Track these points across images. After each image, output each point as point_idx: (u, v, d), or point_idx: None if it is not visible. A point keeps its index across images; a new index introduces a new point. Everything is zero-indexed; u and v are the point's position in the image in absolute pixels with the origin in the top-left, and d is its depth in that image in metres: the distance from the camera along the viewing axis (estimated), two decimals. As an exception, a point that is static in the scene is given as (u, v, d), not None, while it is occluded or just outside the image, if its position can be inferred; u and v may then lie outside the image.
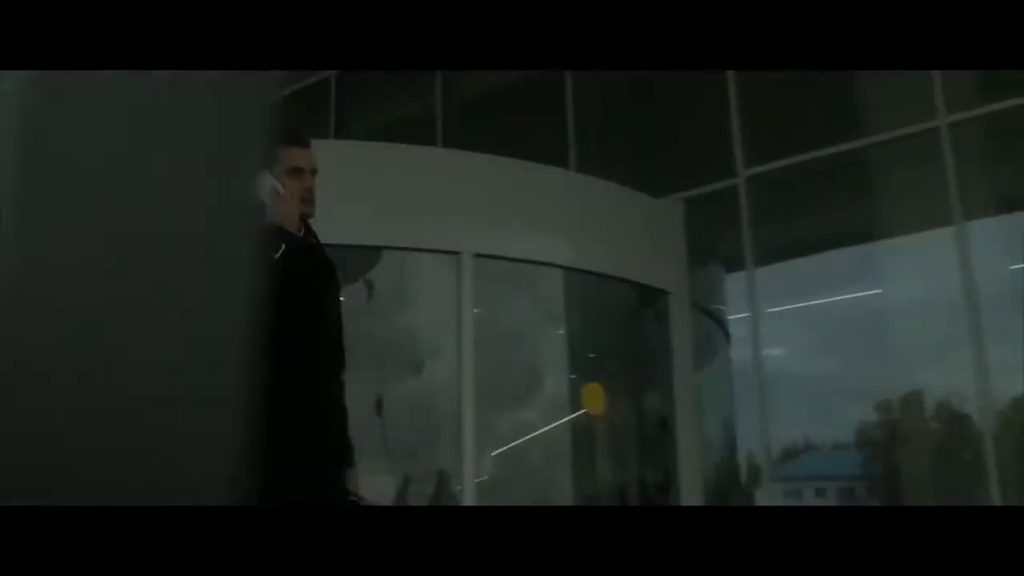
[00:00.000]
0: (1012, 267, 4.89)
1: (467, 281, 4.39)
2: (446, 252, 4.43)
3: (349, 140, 6.04)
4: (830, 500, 5.37)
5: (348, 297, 4.79)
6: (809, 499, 5.41)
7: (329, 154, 2.65)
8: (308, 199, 2.37)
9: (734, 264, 5.31)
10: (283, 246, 2.19)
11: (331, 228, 2.51)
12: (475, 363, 4.27)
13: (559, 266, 4.80)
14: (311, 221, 2.41)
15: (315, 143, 2.42)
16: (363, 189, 4.35)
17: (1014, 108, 4.37)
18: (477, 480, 4.21)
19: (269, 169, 2.24)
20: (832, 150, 4.85)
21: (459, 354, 4.32)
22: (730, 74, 5.22)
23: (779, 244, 5.23)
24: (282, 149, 2.37)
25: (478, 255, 4.44)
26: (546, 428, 4.60)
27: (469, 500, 4.16)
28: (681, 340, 4.98)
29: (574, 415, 4.68)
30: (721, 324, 5.64)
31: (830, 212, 5.30)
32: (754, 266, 4.92)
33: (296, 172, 2.35)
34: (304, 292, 2.25)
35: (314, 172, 2.40)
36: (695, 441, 4.85)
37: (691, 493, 4.67)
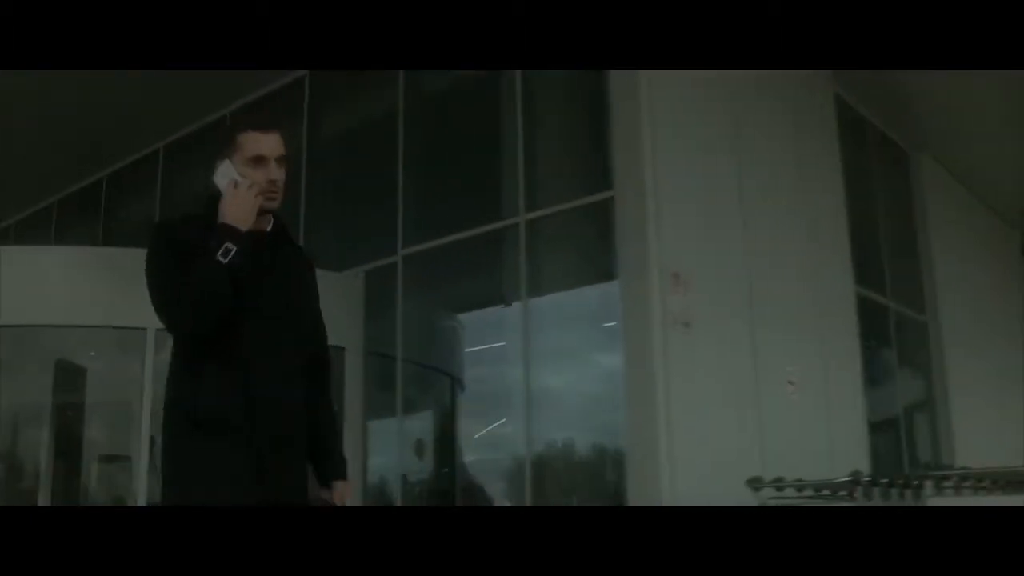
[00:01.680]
0: (606, 324, 6.10)
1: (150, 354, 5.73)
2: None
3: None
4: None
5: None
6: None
7: None
8: (272, 191, 2.14)
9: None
10: (231, 248, 2.03)
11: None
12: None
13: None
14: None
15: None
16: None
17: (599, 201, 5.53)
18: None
19: (229, 158, 2.12)
20: (466, 234, 6.08)
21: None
22: (400, 167, 6.45)
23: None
24: (242, 135, 2.14)
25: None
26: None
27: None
28: (353, 388, 6.24)
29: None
30: (451, 375, 6.86)
31: (474, 280, 6.53)
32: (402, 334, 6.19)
33: (258, 161, 2.13)
34: (259, 296, 2.08)
35: (280, 160, 2.16)
36: (358, 474, 6.11)
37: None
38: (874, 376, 7.49)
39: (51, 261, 6.51)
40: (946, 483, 4.08)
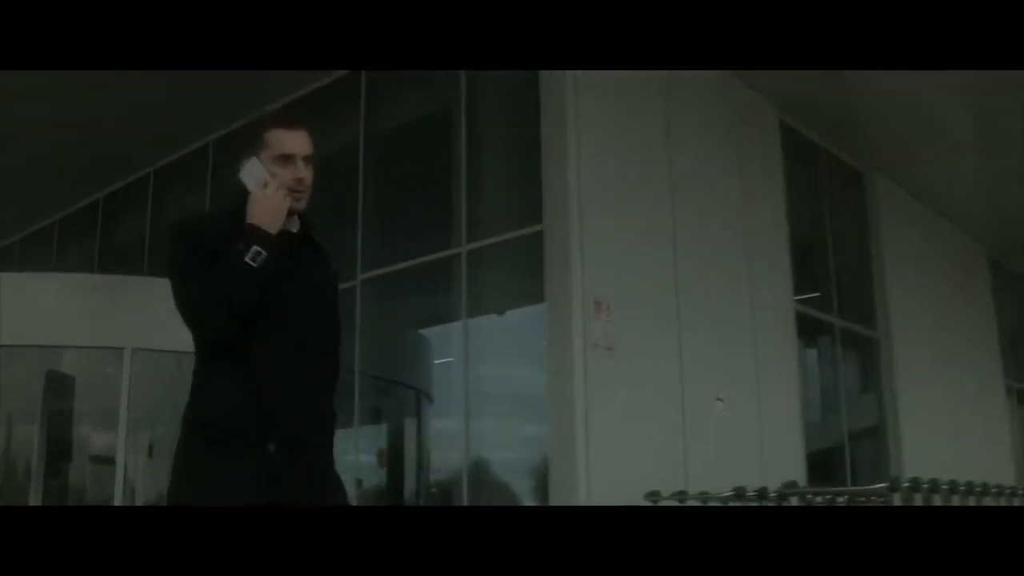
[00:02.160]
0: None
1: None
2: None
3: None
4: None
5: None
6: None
7: None
8: (299, 190, 2.11)
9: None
10: (260, 252, 2.00)
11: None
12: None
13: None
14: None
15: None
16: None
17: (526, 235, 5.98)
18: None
19: (256, 155, 2.08)
20: (416, 261, 6.57)
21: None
22: (360, 199, 6.94)
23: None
24: (268, 132, 2.11)
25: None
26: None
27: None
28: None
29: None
30: (417, 389, 7.37)
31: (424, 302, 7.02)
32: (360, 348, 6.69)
33: (285, 159, 2.10)
34: (280, 299, 2.05)
35: (307, 159, 2.14)
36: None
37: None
38: (818, 390, 7.87)
39: (47, 287, 7.11)
40: (818, 499, 4.47)
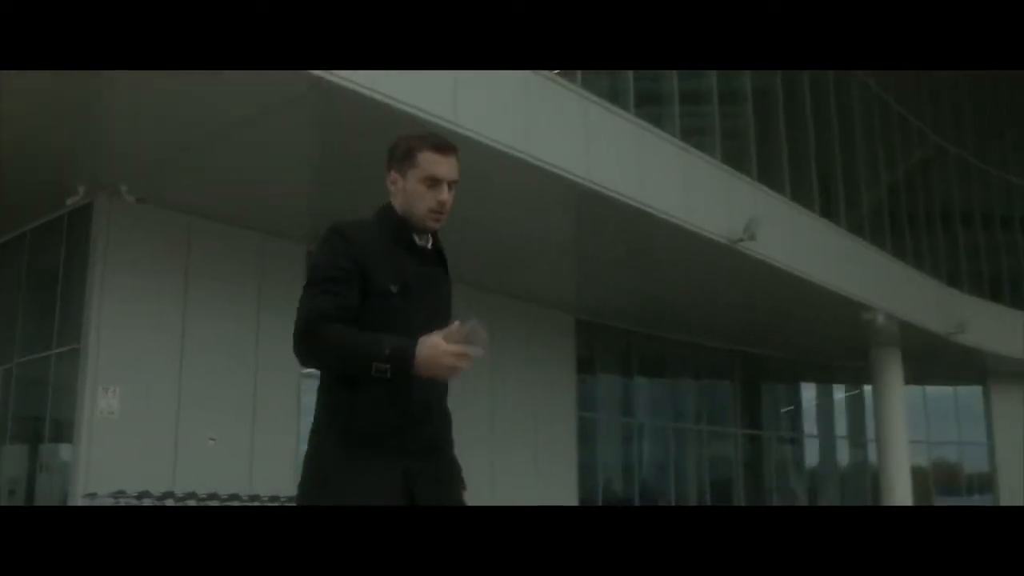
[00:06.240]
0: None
1: None
2: None
3: None
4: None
5: None
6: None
7: None
8: (441, 212, 2.23)
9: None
10: (387, 371, 2.09)
11: None
12: None
13: None
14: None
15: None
16: None
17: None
18: None
19: (402, 171, 2.23)
20: (34, 356, 10.98)
21: None
22: (19, 314, 11.38)
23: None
24: (421, 154, 2.22)
25: None
26: None
27: None
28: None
29: None
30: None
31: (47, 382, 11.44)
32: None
33: (433, 182, 2.22)
34: (416, 314, 2.20)
35: (451, 184, 2.24)
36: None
37: None
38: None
39: None
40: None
